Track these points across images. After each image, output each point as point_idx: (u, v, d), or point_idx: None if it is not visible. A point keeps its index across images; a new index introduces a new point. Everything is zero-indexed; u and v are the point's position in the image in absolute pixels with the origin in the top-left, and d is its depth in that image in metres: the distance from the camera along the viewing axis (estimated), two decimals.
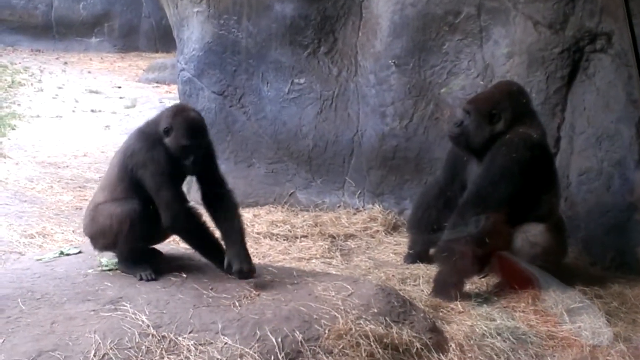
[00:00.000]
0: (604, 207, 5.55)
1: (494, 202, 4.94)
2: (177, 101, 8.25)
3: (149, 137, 4.25)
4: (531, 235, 5.02)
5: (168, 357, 3.47)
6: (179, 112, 4.30)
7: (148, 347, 3.52)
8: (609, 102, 5.53)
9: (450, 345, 4.09)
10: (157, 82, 14.12)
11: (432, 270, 5.21)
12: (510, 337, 4.29)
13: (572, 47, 5.70)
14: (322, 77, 6.74)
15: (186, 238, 4.35)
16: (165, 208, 4.15)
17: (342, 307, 4.01)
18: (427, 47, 6.27)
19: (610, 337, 4.39)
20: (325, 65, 6.75)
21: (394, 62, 6.37)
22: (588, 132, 5.65)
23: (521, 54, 5.87)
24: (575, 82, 5.75)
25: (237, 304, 3.92)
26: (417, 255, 5.61)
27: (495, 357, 4.10)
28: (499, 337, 4.27)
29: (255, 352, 3.56)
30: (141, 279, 4.14)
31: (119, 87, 13.56)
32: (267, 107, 6.92)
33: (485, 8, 6.03)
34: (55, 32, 17.25)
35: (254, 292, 4.08)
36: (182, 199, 4.24)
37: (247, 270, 4.16)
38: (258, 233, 6.03)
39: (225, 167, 6.98)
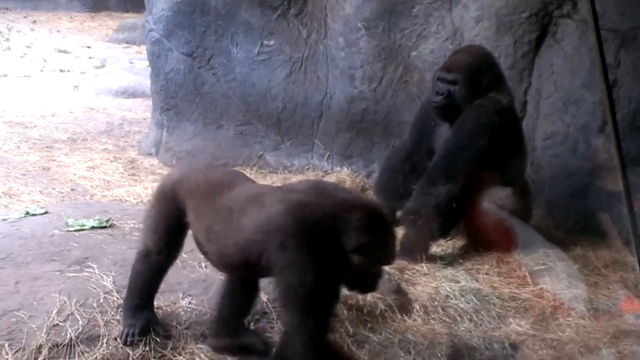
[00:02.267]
0: (569, 171, 5.61)
1: (462, 166, 4.97)
2: (147, 63, 8.17)
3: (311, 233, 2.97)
4: (498, 198, 5.07)
5: None
6: (377, 225, 3.04)
7: (113, 308, 3.53)
8: (575, 67, 5.57)
9: (415, 307, 4.14)
10: (127, 43, 14.02)
11: (398, 233, 5.25)
12: (474, 298, 4.36)
13: (540, 12, 5.70)
14: (292, 39, 6.71)
15: None
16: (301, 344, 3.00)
17: None
18: (396, 10, 6.24)
19: (572, 299, 4.47)
20: (294, 27, 6.71)
21: (364, 25, 6.35)
22: (555, 97, 5.68)
23: (490, 18, 5.85)
24: (543, 46, 5.75)
25: (203, 265, 3.94)
26: None
27: (458, 318, 4.17)
28: (462, 299, 4.34)
29: None
30: None
31: (89, 47, 13.43)
32: (236, 69, 6.88)
33: None
34: None
35: None
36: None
37: None
38: None
39: (194, 128, 7.01)
